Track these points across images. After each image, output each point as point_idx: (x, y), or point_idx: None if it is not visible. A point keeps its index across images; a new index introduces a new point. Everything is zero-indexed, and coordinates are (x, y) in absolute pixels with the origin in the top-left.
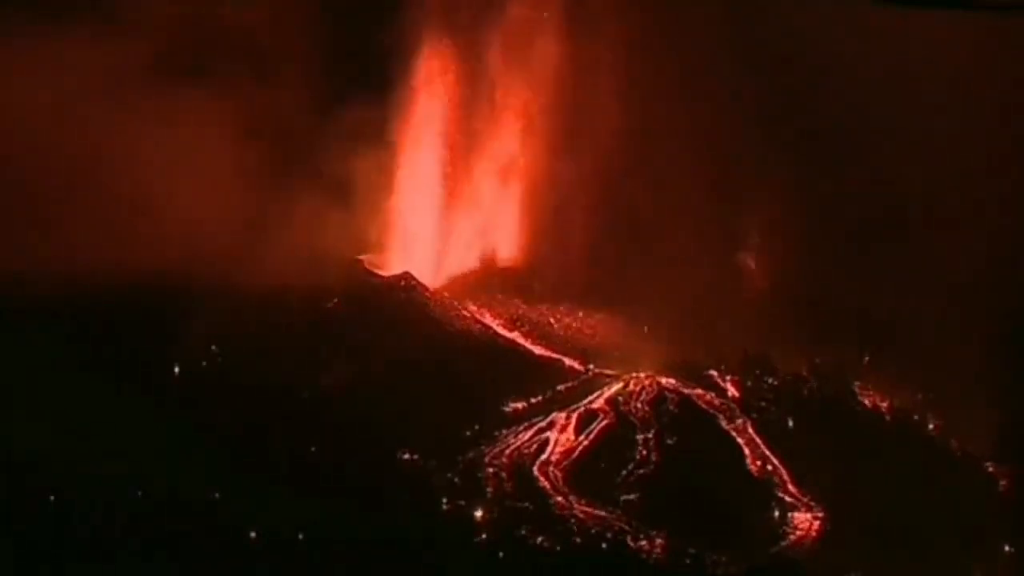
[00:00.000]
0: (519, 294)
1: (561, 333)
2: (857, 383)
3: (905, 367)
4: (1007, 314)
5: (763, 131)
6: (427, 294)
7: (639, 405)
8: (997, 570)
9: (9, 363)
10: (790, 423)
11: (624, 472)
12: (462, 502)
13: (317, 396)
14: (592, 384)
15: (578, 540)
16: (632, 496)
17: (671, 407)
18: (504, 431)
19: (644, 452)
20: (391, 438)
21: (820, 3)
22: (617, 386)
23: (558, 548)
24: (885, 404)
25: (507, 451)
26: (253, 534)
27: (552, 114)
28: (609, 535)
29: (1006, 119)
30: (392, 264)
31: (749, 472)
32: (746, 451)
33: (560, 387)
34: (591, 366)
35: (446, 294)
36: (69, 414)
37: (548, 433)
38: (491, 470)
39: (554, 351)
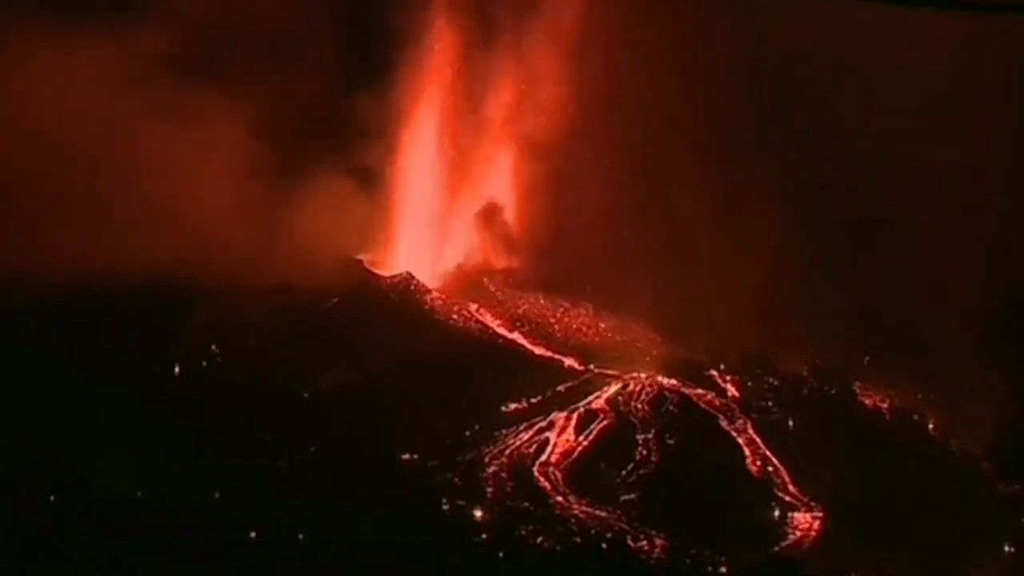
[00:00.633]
0: (518, 296)
1: (561, 333)
2: (857, 383)
3: (905, 367)
4: (1007, 314)
5: (764, 131)
6: (427, 294)
7: (639, 405)
8: (997, 570)
9: (9, 362)
10: (790, 423)
11: (624, 472)
12: (462, 502)
13: (317, 396)
14: (592, 384)
15: (578, 540)
16: (632, 496)
17: (671, 407)
18: (504, 431)
19: (644, 452)
20: (391, 438)
21: (820, 4)
22: (617, 386)
23: (558, 548)
24: (885, 404)
25: (507, 451)
26: (253, 534)
27: (553, 114)
28: (609, 535)
29: (1006, 118)
30: (392, 264)
31: (749, 472)
32: (746, 451)
33: (560, 387)
34: (591, 366)
35: (446, 294)
36: (69, 414)
37: (548, 433)
38: (491, 470)
39: (554, 351)
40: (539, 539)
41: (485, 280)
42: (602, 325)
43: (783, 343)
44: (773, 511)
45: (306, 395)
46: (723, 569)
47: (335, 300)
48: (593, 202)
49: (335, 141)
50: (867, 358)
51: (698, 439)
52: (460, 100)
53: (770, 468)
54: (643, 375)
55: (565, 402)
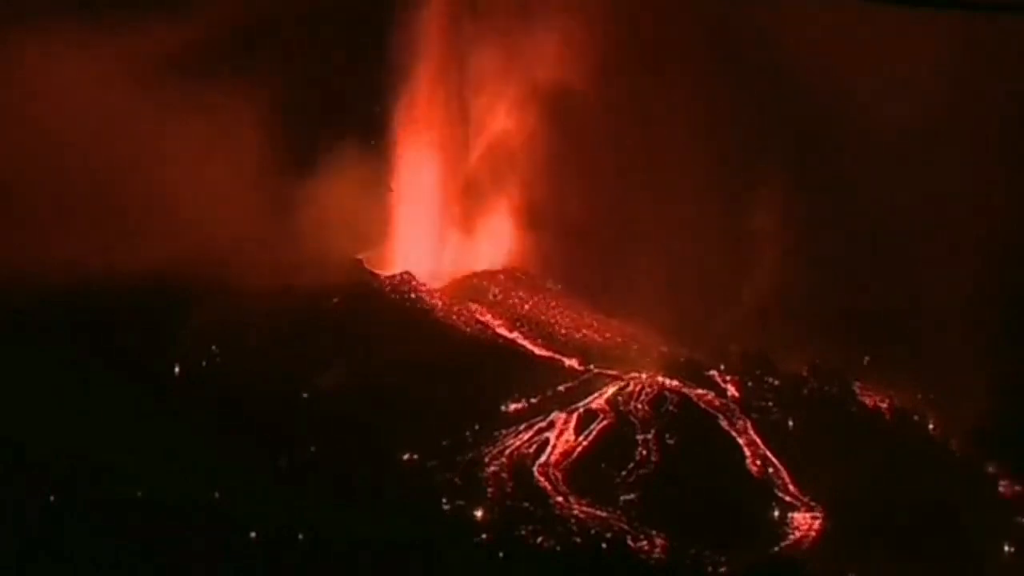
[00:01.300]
0: (518, 296)
1: (561, 333)
2: (857, 383)
3: (905, 367)
4: (1007, 314)
5: (765, 132)
6: (427, 294)
7: (639, 405)
8: (997, 570)
9: (9, 362)
10: (790, 423)
11: (624, 472)
12: (462, 502)
13: (317, 396)
14: (592, 384)
15: (578, 540)
16: (632, 496)
17: (671, 407)
18: (504, 431)
19: (644, 452)
20: (391, 438)
21: (820, 6)
22: (617, 386)
23: (558, 548)
24: (885, 404)
25: (507, 451)
26: (253, 534)
27: (553, 115)
28: (609, 535)
29: (1007, 119)
30: (392, 264)
31: (749, 472)
32: (746, 451)
33: (560, 387)
34: (591, 366)
35: (446, 294)
36: (68, 414)
37: (548, 433)
38: (491, 470)
39: (554, 351)
40: (539, 539)
41: (486, 280)
42: (602, 325)
43: (783, 343)
44: (773, 511)
45: (306, 395)
46: (723, 569)
47: (335, 300)
48: (593, 202)
49: (335, 141)
50: (867, 358)
51: (698, 439)
52: (461, 100)
53: (770, 468)
54: (643, 375)
55: (565, 402)
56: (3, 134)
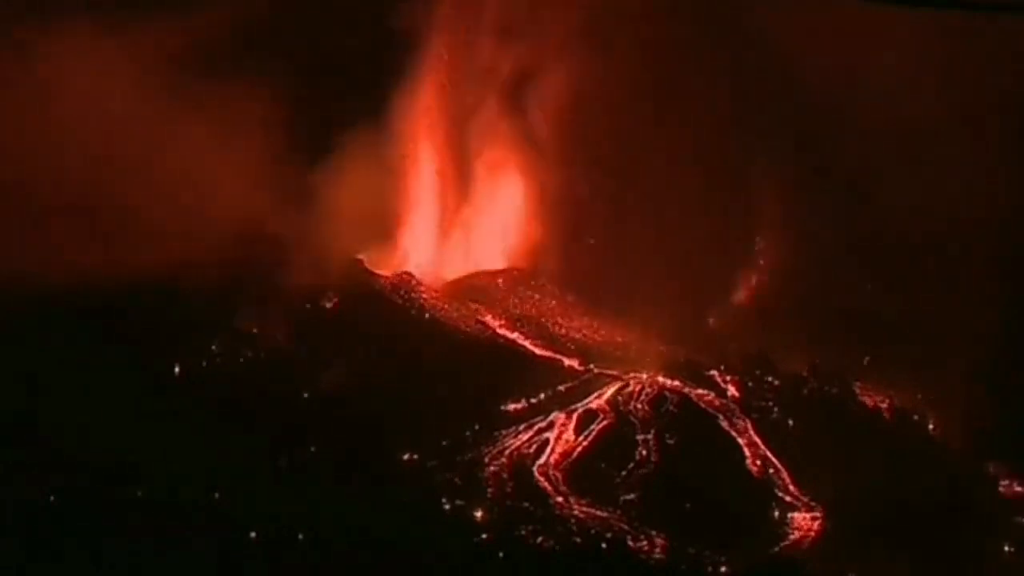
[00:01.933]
0: (518, 296)
1: (561, 333)
2: (857, 383)
3: (905, 367)
4: (1007, 314)
5: (764, 133)
6: (427, 294)
7: (639, 405)
8: (997, 570)
9: (9, 362)
10: (790, 423)
11: (624, 472)
12: (462, 502)
13: (317, 396)
14: (592, 384)
15: (578, 540)
16: (632, 496)
17: (671, 407)
18: (504, 431)
19: (644, 452)
20: (391, 438)
21: (820, 5)
22: (617, 386)
23: (558, 548)
24: (885, 404)
25: (507, 451)
26: (253, 534)
27: (553, 115)
28: (609, 535)
29: (1007, 119)
30: (392, 264)
31: (749, 472)
32: (746, 451)
33: (560, 387)
34: (591, 366)
35: (446, 294)
36: (69, 413)
37: (548, 433)
38: (491, 470)
39: (554, 351)
40: (539, 539)
41: (486, 280)
42: (602, 325)
43: (783, 343)
44: (773, 511)
45: (306, 395)
46: (723, 569)
47: (335, 300)
48: (593, 203)
49: (336, 141)
50: (867, 358)
51: (698, 439)
52: (462, 100)
53: (770, 468)
54: (643, 375)
55: (565, 402)
56: (5, 133)
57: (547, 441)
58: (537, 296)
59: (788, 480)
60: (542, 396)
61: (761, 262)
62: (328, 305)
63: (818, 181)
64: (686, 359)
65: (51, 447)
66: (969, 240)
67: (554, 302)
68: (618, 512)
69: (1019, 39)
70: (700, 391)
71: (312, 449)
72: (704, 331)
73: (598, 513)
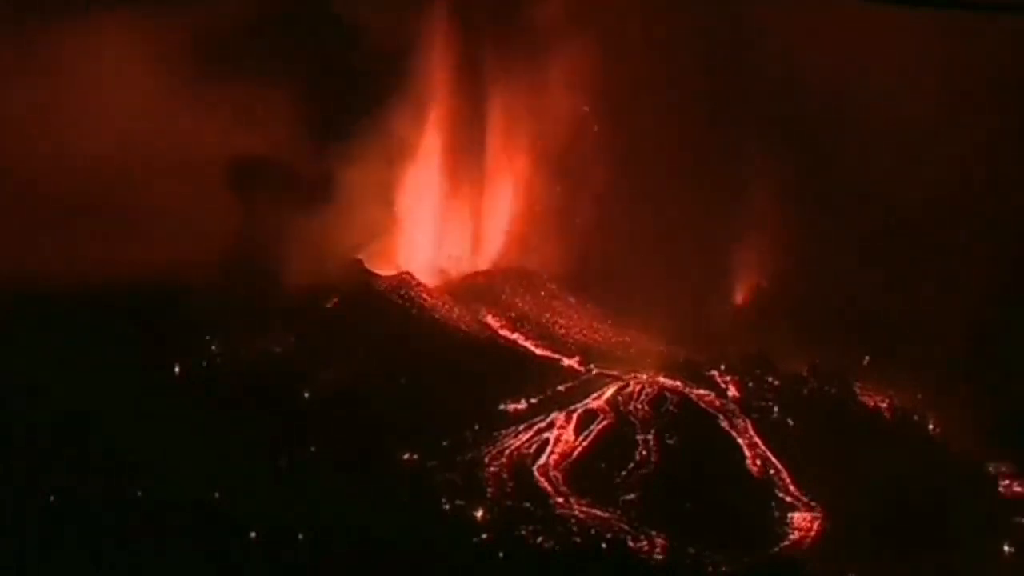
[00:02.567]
0: (518, 296)
1: (561, 333)
2: (857, 383)
3: (905, 367)
4: (1007, 314)
5: (764, 134)
6: (427, 294)
7: (639, 405)
8: (997, 570)
9: (9, 362)
10: (790, 423)
11: (624, 472)
12: (462, 502)
13: (317, 396)
14: (592, 384)
15: (578, 540)
16: (632, 496)
17: (671, 407)
18: (504, 431)
19: (644, 452)
20: (391, 438)
21: (819, 5)
22: (617, 386)
23: (558, 548)
24: (885, 404)
25: (507, 451)
26: (253, 534)
27: (552, 115)
28: (609, 535)
29: (1007, 120)
30: (392, 264)
31: (749, 472)
32: (746, 451)
33: (560, 387)
34: (591, 366)
35: (446, 294)
36: (69, 413)
37: (548, 433)
38: (491, 470)
39: (554, 351)
40: (539, 539)
41: (486, 280)
42: (602, 325)
43: (783, 343)
44: (773, 511)
45: (306, 395)
46: (723, 569)
47: (335, 300)
48: (593, 203)
49: (337, 141)
50: (867, 358)
51: (698, 439)
52: (462, 100)
53: (770, 468)
54: (643, 375)
55: (565, 402)
56: (8, 137)
57: (547, 441)
58: (537, 296)
59: (788, 480)
60: (542, 396)
61: (761, 262)
62: (328, 305)
63: (818, 181)
64: (686, 359)
65: (51, 447)
66: (969, 240)
67: (554, 302)
68: (618, 512)
69: (1019, 39)
70: (700, 391)
71: (312, 449)
72: (704, 331)
73: (598, 513)
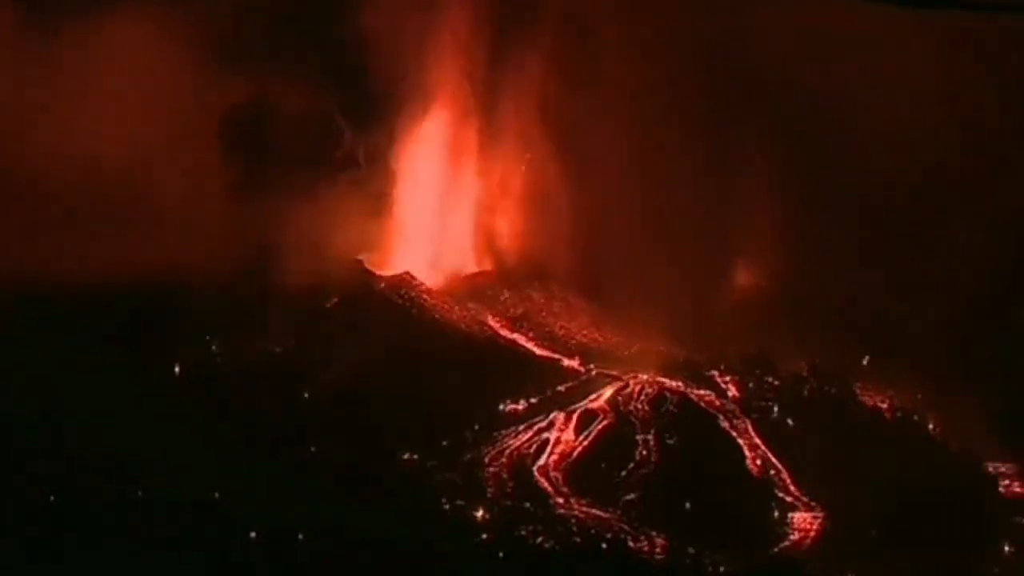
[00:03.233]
0: (518, 296)
1: (561, 333)
2: (857, 383)
3: (905, 367)
4: (1007, 313)
5: (765, 134)
6: (427, 294)
7: (639, 405)
8: (997, 570)
9: (9, 362)
10: (790, 423)
11: (624, 472)
12: (462, 502)
13: (317, 396)
14: (592, 384)
15: (578, 540)
16: (632, 496)
17: (671, 407)
18: (504, 431)
19: (644, 452)
20: (391, 438)
21: (819, 5)
22: (617, 386)
23: (558, 548)
24: (885, 404)
25: (507, 451)
26: (253, 534)
27: (552, 116)
28: (609, 535)
29: (1006, 119)
30: (392, 264)
31: (749, 472)
32: (746, 451)
33: (560, 387)
34: (591, 366)
35: (446, 294)
36: (69, 413)
37: (548, 433)
38: (491, 470)
39: (554, 351)
40: (539, 539)
41: (486, 280)
42: (602, 325)
43: (783, 343)
44: (773, 511)
45: (306, 395)
46: (723, 569)
47: (335, 300)
48: (593, 203)
49: (335, 141)
50: (867, 358)
51: (698, 439)
52: (462, 100)
53: (770, 468)
54: (643, 375)
55: (565, 402)
56: (8, 136)
57: (547, 441)
58: (537, 296)
59: (788, 480)
60: (542, 396)
61: (761, 262)
62: (328, 305)
63: (819, 182)
64: (686, 359)
65: (51, 447)
66: (970, 240)
67: (554, 302)
68: (618, 512)
69: (1019, 39)
70: (700, 391)
71: (312, 449)
72: (704, 331)
73: (598, 513)
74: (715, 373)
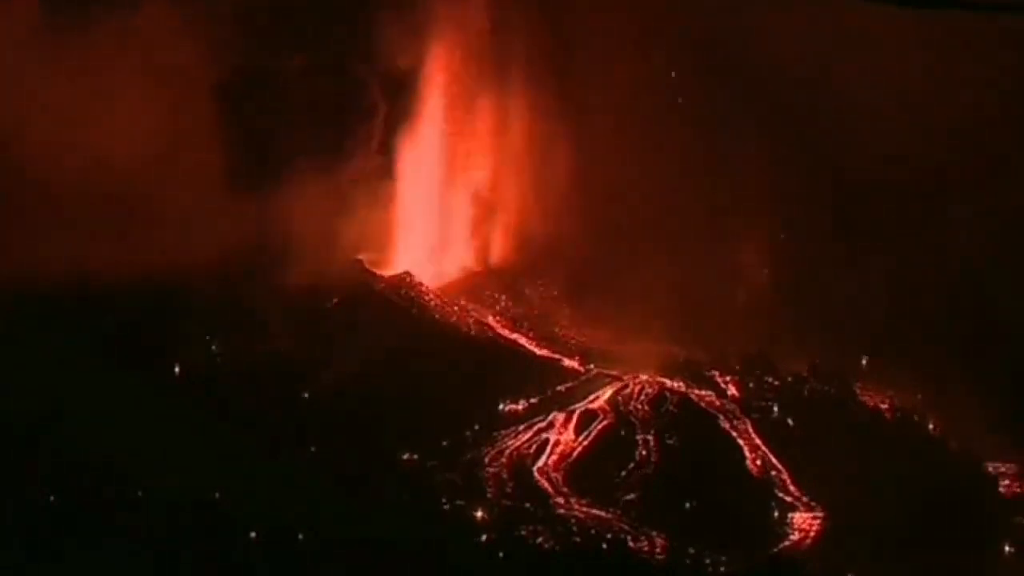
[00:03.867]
0: (518, 296)
1: (561, 333)
2: (857, 383)
3: (905, 367)
4: (1008, 313)
5: (765, 135)
6: (427, 294)
7: (639, 405)
8: (997, 570)
9: (9, 362)
10: (790, 423)
11: (624, 472)
12: (462, 502)
13: (317, 396)
14: (592, 384)
15: (578, 540)
16: (632, 496)
17: (671, 407)
18: (504, 431)
19: (644, 452)
20: (391, 438)
21: (814, 5)
22: (617, 386)
23: (558, 548)
24: (885, 404)
25: (507, 451)
26: (253, 534)
27: (552, 116)
28: (609, 535)
29: (1005, 118)
30: (392, 264)
31: (749, 472)
32: (746, 451)
33: (560, 387)
34: (591, 366)
35: (446, 294)
36: (69, 413)
37: (548, 433)
38: (491, 470)
39: (554, 351)
40: (539, 539)
41: (485, 280)
42: (602, 325)
43: (783, 343)
44: (773, 511)
45: (306, 395)
46: (723, 569)
47: (335, 300)
48: (593, 203)
49: (336, 141)
50: (867, 358)
51: (698, 439)
52: (462, 101)
53: (770, 468)
54: (643, 375)
55: (565, 402)
56: (9, 137)
57: (547, 441)
58: (537, 296)
59: (788, 480)
60: (542, 396)
61: (761, 262)
62: (328, 305)
63: (819, 182)
64: (686, 359)
65: (51, 447)
66: (970, 240)
67: (554, 302)
68: (618, 512)
69: (1019, 39)
70: (700, 391)
71: (312, 449)
72: (704, 331)
73: (598, 513)
74: (715, 373)
